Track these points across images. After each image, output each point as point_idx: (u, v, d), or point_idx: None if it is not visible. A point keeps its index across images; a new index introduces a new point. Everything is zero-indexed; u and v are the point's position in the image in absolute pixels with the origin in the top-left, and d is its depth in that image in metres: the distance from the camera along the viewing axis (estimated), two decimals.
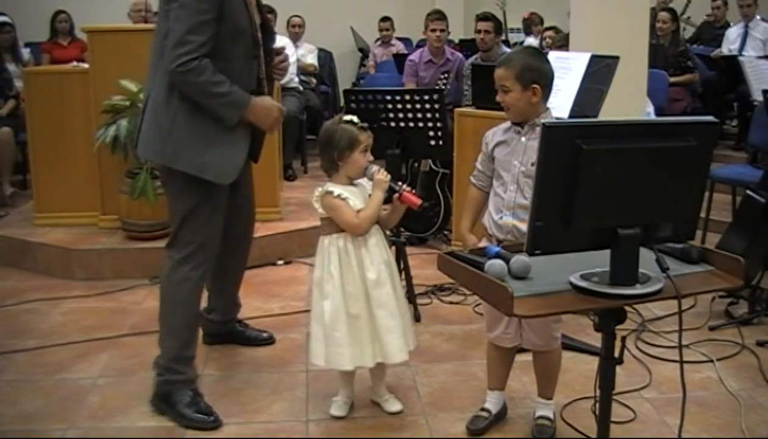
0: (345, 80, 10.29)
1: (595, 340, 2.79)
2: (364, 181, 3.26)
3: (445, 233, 5.82)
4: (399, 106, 4.38)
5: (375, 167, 3.22)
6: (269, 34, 3.58)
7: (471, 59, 6.66)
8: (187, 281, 3.34)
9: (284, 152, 6.61)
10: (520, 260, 2.20)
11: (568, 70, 4.17)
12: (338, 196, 3.18)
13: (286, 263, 5.37)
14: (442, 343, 4.09)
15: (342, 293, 3.18)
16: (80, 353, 3.98)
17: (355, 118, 3.24)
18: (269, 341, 4.08)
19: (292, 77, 7.87)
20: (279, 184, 5.93)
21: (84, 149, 5.41)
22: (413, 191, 3.25)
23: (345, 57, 10.72)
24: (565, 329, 3.81)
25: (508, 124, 3.09)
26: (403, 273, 4.28)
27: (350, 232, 3.19)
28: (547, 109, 3.05)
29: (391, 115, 4.41)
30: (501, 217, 3.02)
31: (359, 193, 3.23)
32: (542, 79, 2.96)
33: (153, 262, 5.03)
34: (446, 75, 6.30)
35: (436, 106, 4.35)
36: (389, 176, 3.21)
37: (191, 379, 3.40)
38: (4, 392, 3.57)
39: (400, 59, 8.13)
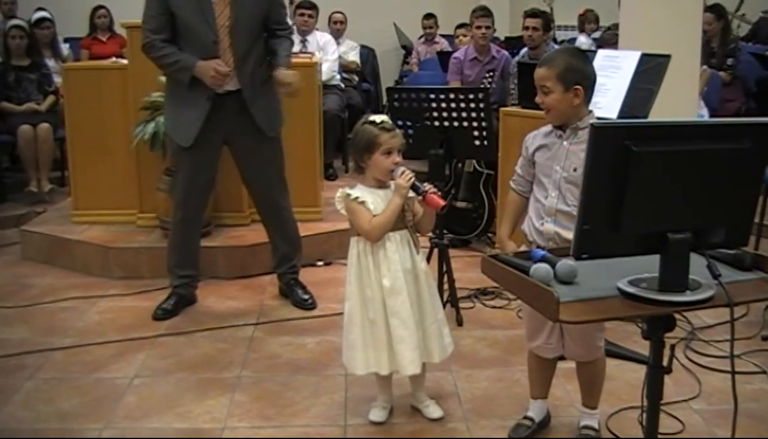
0: (387, 78, 10.30)
1: (643, 348, 2.78)
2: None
3: (489, 235, 5.81)
4: (443, 105, 4.38)
5: (401, 169, 3.16)
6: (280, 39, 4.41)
7: (517, 57, 6.65)
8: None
9: (325, 151, 6.63)
10: (566, 264, 2.19)
11: (617, 70, 4.15)
12: (355, 199, 3.18)
13: (326, 264, 5.40)
14: (485, 348, 4.08)
15: (359, 296, 3.21)
16: (117, 352, 4.04)
17: (379, 118, 3.21)
18: (308, 304, 4.60)
19: (333, 75, 7.92)
20: (319, 184, 5.97)
21: (122, 146, 5.49)
22: (438, 192, 3.18)
23: (388, 54, 10.74)
24: (612, 336, 3.79)
25: (549, 127, 3.05)
26: (445, 276, 4.28)
27: (364, 237, 3.20)
28: (590, 112, 3.01)
29: (435, 114, 4.41)
30: (542, 224, 2.99)
31: (386, 198, 3.20)
32: (585, 81, 2.92)
33: None
34: (491, 73, 6.30)
35: (481, 105, 4.35)
36: (412, 179, 3.14)
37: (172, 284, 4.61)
38: (41, 390, 3.64)
39: (444, 57, 8.13)
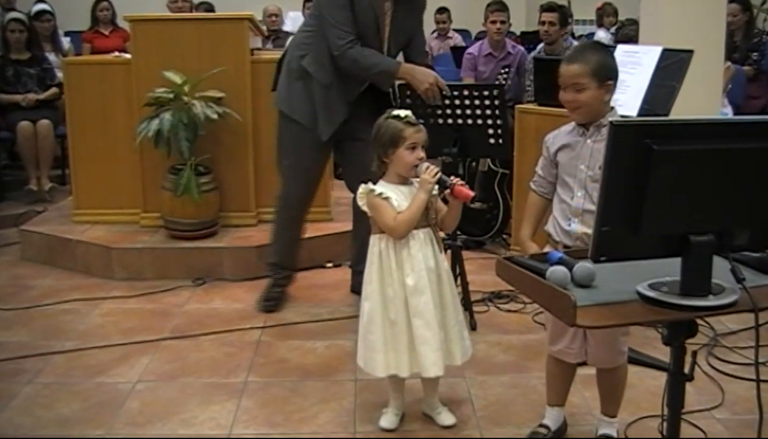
0: None
1: (663, 354, 2.77)
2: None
3: (504, 236, 5.81)
4: (456, 101, 4.37)
5: (425, 165, 3.20)
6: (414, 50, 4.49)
7: (534, 52, 6.64)
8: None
9: None
10: (584, 267, 2.19)
11: (638, 65, 4.15)
12: (380, 195, 3.21)
13: (336, 266, 5.40)
14: (499, 353, 4.09)
15: (381, 296, 3.22)
16: (119, 356, 4.06)
17: (403, 113, 3.24)
18: None
19: None
20: (329, 183, 5.98)
21: (125, 144, 5.51)
22: (465, 183, 3.21)
23: None
24: (631, 342, 3.77)
25: (570, 126, 3.06)
26: (458, 278, 4.29)
27: (388, 234, 3.22)
28: (612, 107, 3.02)
29: (448, 111, 4.41)
30: (569, 225, 3.00)
31: (410, 194, 3.24)
32: (615, 77, 2.95)
33: (196, 262, 5.16)
34: (507, 69, 6.29)
35: (496, 102, 4.32)
36: (438, 174, 3.18)
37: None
38: (42, 394, 3.66)
39: (457, 52, 8.11)
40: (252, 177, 5.58)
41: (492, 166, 5.76)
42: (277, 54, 5.86)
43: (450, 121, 4.43)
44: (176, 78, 5.14)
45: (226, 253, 5.20)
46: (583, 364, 3.20)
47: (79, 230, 5.55)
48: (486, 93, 4.34)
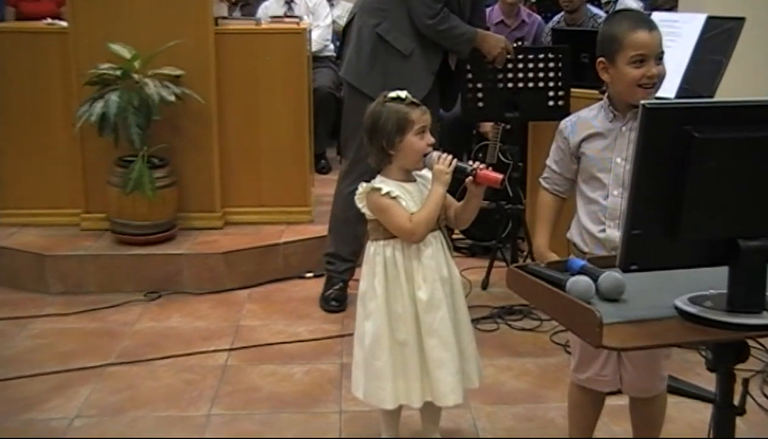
0: None
1: (707, 382, 2.78)
2: (425, 172, 3.26)
3: (517, 241, 5.80)
4: (520, 65, 5.02)
5: (436, 154, 3.18)
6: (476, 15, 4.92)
7: (552, 22, 6.65)
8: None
9: (316, 138, 6.66)
10: (611, 276, 2.19)
11: (677, 37, 4.15)
12: (387, 194, 3.19)
13: (318, 276, 5.39)
14: (511, 380, 4.10)
15: (387, 313, 3.21)
16: (54, 386, 4.04)
17: (403, 93, 3.23)
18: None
19: (326, 44, 7.99)
20: (309, 178, 5.99)
21: (63, 131, 5.51)
22: (488, 166, 3.20)
23: None
24: (669, 367, 3.78)
25: (593, 109, 3.06)
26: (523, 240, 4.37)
27: (402, 238, 3.21)
28: None
29: (510, 75, 5.03)
30: (603, 230, 2.98)
31: (416, 192, 3.24)
32: None
33: (149, 272, 5.16)
34: (521, 41, 6.29)
35: (560, 64, 4.98)
36: (454, 161, 3.17)
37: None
38: None
39: None
40: (217, 171, 5.59)
41: (503, 158, 5.75)
42: (247, 24, 5.88)
43: (510, 84, 5.05)
44: (124, 51, 5.13)
45: (185, 261, 5.20)
46: (616, 393, 3.18)
47: (5, 234, 5.53)
48: (551, 55, 5.02)
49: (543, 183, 3.21)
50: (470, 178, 3.17)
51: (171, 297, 5.02)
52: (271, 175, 5.44)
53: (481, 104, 5.12)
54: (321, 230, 5.46)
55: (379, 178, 3.27)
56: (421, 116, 3.20)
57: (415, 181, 3.27)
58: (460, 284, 3.34)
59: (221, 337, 4.55)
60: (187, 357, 4.33)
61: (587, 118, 3.06)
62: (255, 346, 4.45)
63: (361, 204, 3.28)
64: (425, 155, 3.20)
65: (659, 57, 2.91)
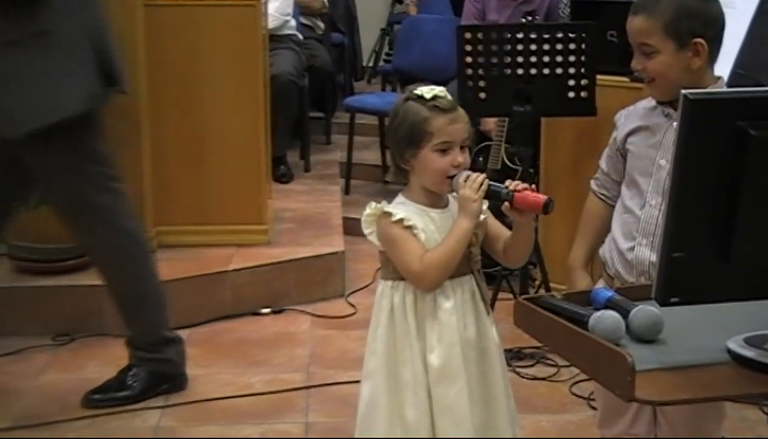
0: (370, 25, 10.51)
1: None
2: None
3: (528, 267, 5.76)
4: (532, 46, 4.92)
5: (464, 174, 2.95)
6: None
7: None
8: None
9: (274, 139, 6.64)
10: (646, 311, 2.19)
11: (730, 8, 4.14)
12: (399, 221, 2.99)
13: (276, 312, 5.44)
14: None
15: (387, 378, 3.05)
16: None
17: (432, 91, 2.98)
18: None
19: (286, 20, 7.93)
20: (265, 189, 6.00)
21: None
22: (530, 185, 2.91)
23: None
24: (721, 426, 3.77)
25: (651, 101, 3.06)
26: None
27: (411, 283, 3.04)
28: (719, 78, 3.02)
29: (520, 59, 4.94)
30: (631, 248, 2.99)
31: (443, 221, 3.04)
32: (709, 30, 2.92)
33: (59, 309, 5.15)
34: (530, 17, 6.29)
35: (583, 45, 4.82)
36: (485, 183, 2.91)
37: None
38: None
39: None
40: (148, 180, 5.59)
41: (508, 162, 5.78)
42: None
43: (520, 70, 4.91)
44: None
45: (106, 295, 5.06)
46: None
47: None
48: (571, 34, 4.89)
49: (591, 185, 3.27)
50: (506, 204, 2.92)
51: (86, 341, 5.01)
52: (218, 185, 5.44)
53: (483, 95, 5.00)
54: (280, 253, 5.50)
55: (398, 198, 3.09)
56: (445, 126, 2.94)
57: (446, 206, 3.08)
58: (496, 349, 3.13)
59: None
60: (107, 418, 4.28)
61: (641, 109, 3.10)
62: (195, 401, 4.42)
63: (368, 230, 3.07)
64: (452, 177, 2.98)
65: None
